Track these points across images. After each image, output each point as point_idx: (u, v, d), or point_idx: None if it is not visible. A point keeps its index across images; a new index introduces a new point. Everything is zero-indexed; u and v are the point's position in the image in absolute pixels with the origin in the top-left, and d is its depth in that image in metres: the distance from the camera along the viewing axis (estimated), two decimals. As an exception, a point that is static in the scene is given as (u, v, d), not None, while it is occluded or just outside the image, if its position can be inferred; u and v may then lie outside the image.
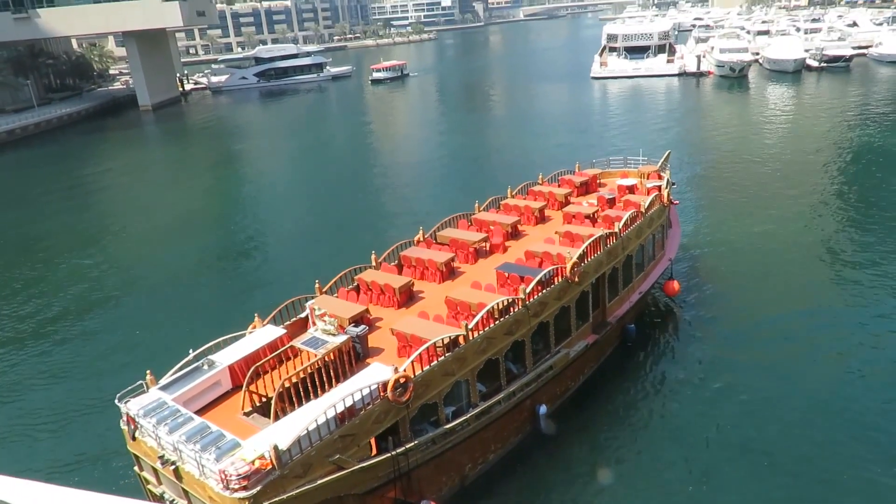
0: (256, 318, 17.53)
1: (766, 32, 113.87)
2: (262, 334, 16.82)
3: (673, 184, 26.90)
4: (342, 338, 15.70)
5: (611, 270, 20.99)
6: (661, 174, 27.94)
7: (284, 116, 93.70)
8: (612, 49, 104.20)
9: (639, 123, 63.66)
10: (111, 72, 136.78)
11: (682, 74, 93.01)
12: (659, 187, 25.32)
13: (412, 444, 14.52)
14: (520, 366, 17.91)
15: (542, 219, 25.06)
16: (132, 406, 14.39)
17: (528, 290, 17.45)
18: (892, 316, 23.73)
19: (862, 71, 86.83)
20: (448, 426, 15.38)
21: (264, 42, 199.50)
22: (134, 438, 14.08)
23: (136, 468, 15.07)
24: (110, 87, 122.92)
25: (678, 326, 24.29)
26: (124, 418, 14.46)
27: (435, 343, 15.37)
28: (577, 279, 18.90)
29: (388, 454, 14.09)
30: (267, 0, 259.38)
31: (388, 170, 54.48)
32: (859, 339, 22.26)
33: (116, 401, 14.56)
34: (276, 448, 12.29)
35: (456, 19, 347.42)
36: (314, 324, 16.40)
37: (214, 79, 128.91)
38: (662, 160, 29.10)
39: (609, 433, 18.57)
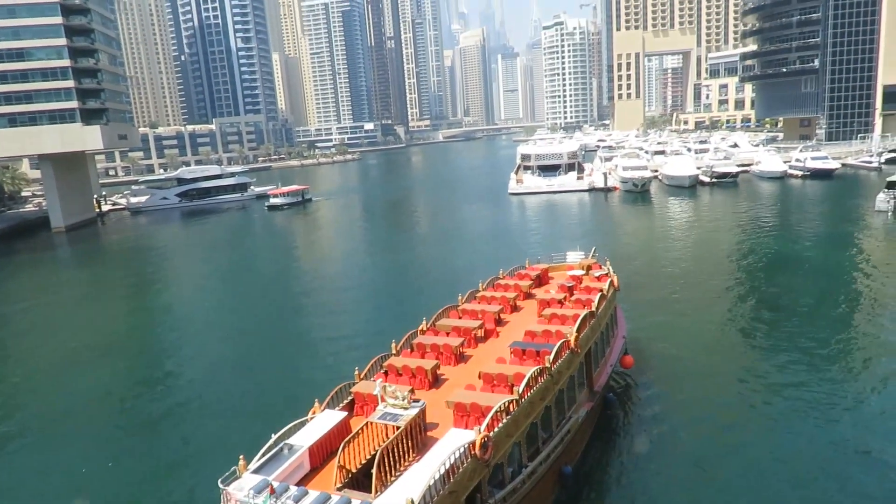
0: (316, 403, 18.92)
1: (662, 152, 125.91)
2: (326, 418, 18.23)
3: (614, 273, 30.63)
4: (415, 409, 17.26)
5: (593, 344, 23.65)
6: (602, 265, 32.00)
7: (206, 237, 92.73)
8: (527, 167, 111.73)
9: (558, 234, 67.50)
10: (23, 193, 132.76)
11: (592, 190, 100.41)
12: (607, 274, 29.66)
13: (491, 501, 16.20)
14: (547, 430, 19.65)
15: (516, 307, 28.11)
16: (235, 489, 14.91)
17: (551, 360, 19.85)
18: (802, 381, 26.30)
19: (747, 185, 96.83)
20: (511, 485, 17.00)
21: (187, 163, 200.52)
22: None
23: None
24: (21, 209, 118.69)
25: (637, 394, 27.42)
26: (231, 502, 14.76)
27: (499, 408, 17.18)
28: (579, 350, 21.64)
29: None
30: (192, 124, 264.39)
31: (324, 288, 54.43)
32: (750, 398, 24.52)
33: (220, 484, 15.03)
34: (412, 501, 13.67)
35: (378, 141, 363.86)
36: (383, 400, 17.88)
37: (134, 199, 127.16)
38: (592, 253, 33.88)
39: (616, 491, 20.93)
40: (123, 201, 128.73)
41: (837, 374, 28.07)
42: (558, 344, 20.89)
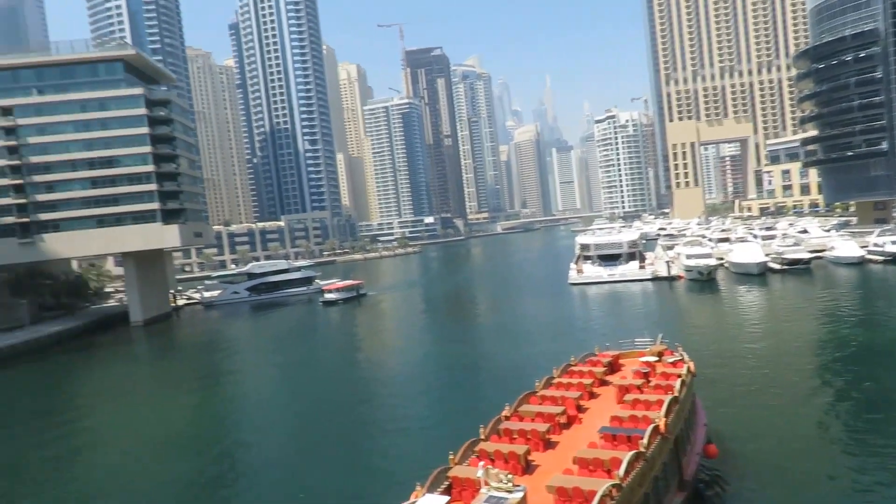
0: (418, 487, 19.09)
1: (727, 239, 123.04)
2: (428, 502, 18.42)
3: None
4: (519, 493, 17.39)
5: (680, 431, 22.90)
6: (674, 351, 31.39)
7: (272, 329, 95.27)
8: (587, 257, 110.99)
9: (624, 322, 65.75)
10: (107, 290, 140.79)
11: (655, 279, 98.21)
12: (682, 359, 29.18)
13: None
14: None
15: (592, 393, 27.74)
16: None
17: (645, 444, 19.33)
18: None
19: (822, 272, 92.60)
20: None
21: (257, 258, 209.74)
22: None
23: None
24: (103, 304, 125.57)
25: (727, 487, 25.78)
26: None
27: (604, 493, 16.69)
28: (669, 435, 20.96)
29: None
30: (262, 221, 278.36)
31: (392, 378, 54.38)
32: None
33: None
34: None
35: (438, 234, 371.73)
36: (486, 484, 18.03)
37: (207, 294, 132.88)
38: (659, 340, 33.37)
39: None
40: (197, 296, 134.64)
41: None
42: (649, 429, 20.36)
